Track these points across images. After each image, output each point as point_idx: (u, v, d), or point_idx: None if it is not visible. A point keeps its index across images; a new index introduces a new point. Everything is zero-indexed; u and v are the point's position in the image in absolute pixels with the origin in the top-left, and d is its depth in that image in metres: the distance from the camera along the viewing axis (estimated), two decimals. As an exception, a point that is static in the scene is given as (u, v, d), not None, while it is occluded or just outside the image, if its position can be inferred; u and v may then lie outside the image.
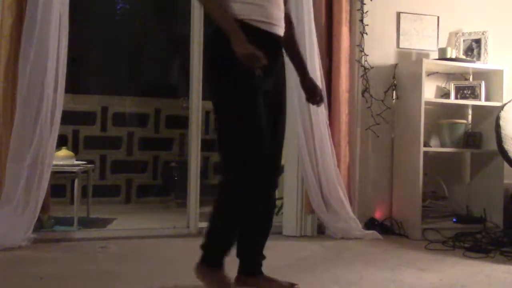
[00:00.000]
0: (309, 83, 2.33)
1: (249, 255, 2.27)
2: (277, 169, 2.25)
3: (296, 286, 2.22)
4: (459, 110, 4.03)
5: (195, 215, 3.55)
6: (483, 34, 3.96)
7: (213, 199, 2.14)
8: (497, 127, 3.51)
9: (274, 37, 2.13)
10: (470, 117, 4.08)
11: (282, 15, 2.18)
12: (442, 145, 3.87)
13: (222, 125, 2.10)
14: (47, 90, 3.08)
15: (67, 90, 3.25)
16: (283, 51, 2.26)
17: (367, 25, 3.79)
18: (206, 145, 4.57)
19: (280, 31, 2.16)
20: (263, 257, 2.29)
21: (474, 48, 3.98)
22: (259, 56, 1.92)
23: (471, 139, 3.89)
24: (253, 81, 2.02)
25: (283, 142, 2.26)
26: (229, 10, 2.04)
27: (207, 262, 2.13)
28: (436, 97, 4.00)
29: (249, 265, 2.27)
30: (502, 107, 3.61)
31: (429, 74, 3.94)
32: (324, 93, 3.56)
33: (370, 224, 3.76)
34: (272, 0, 2.11)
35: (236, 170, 2.05)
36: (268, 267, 2.29)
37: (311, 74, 3.42)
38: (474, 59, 3.95)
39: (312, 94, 2.32)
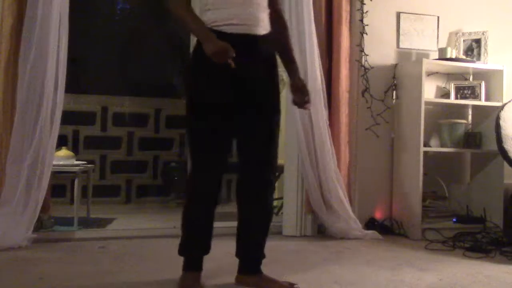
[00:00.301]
0: (297, 83, 2.28)
1: (246, 254, 2.28)
2: (262, 169, 2.22)
3: (295, 286, 2.23)
4: (459, 110, 4.03)
5: (195, 215, 3.54)
6: (483, 34, 3.96)
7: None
8: (497, 127, 3.51)
9: (248, 38, 2.13)
10: (470, 117, 4.08)
11: (262, 15, 2.18)
12: (442, 145, 3.86)
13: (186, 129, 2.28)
14: (47, 90, 3.08)
15: (67, 90, 3.25)
16: (271, 51, 2.26)
17: (367, 25, 3.79)
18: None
19: (258, 31, 2.15)
20: (263, 256, 2.29)
21: (474, 48, 3.98)
22: (228, 49, 1.97)
23: (471, 139, 3.90)
24: (213, 97, 2.11)
25: (270, 141, 2.23)
26: (197, 16, 2.11)
27: (183, 265, 2.25)
28: (436, 97, 4.00)
29: (247, 264, 2.28)
30: (502, 107, 3.61)
31: (429, 74, 3.94)
32: (324, 93, 3.56)
33: (370, 224, 3.76)
34: (246, 2, 2.12)
35: (190, 172, 2.21)
36: (268, 267, 2.29)
37: (311, 74, 3.48)
38: (474, 59, 3.95)
39: (299, 94, 2.26)
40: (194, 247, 2.25)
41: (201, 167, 2.16)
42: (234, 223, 2.32)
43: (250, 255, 2.28)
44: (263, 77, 2.21)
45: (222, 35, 2.06)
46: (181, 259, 2.29)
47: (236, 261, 2.29)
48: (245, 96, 2.16)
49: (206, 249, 2.26)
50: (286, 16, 3.51)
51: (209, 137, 2.13)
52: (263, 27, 2.18)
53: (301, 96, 2.26)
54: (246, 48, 2.10)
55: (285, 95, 3.88)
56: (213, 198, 2.20)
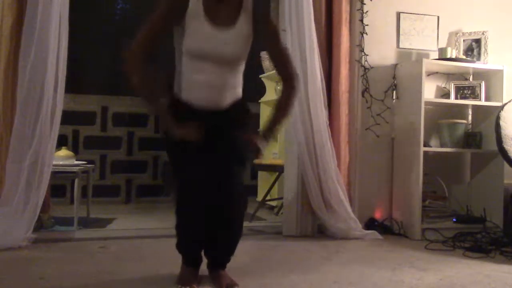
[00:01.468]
0: (264, 134, 2.24)
1: (209, 251, 2.34)
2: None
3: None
4: (459, 110, 4.04)
5: (195, 215, 3.54)
6: (483, 34, 3.96)
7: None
8: (497, 127, 3.51)
9: (214, 111, 2.20)
10: (470, 117, 4.08)
11: (231, 92, 2.23)
12: (442, 145, 3.87)
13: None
14: (47, 90, 3.08)
15: (67, 90, 3.25)
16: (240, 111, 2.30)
17: (367, 25, 3.79)
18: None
19: (224, 105, 2.22)
20: (227, 258, 2.34)
21: (474, 48, 3.98)
22: (194, 132, 2.03)
23: (471, 139, 3.90)
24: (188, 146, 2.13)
25: (235, 170, 2.24)
26: (156, 90, 2.15)
27: (182, 259, 2.33)
28: (436, 97, 4.01)
29: (211, 260, 2.36)
30: (502, 107, 3.61)
31: (429, 74, 3.94)
32: (324, 93, 3.56)
33: (370, 224, 3.76)
34: (213, 89, 2.19)
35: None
36: (268, 267, 2.29)
37: (311, 74, 3.48)
38: (474, 59, 3.95)
39: (255, 143, 2.21)
40: (190, 245, 2.31)
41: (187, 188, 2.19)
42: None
43: (210, 251, 2.36)
44: (230, 134, 2.24)
45: (188, 106, 2.19)
46: (180, 257, 2.32)
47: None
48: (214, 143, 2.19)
49: (202, 246, 2.29)
50: (286, 16, 3.55)
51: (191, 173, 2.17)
52: (231, 99, 2.25)
53: (255, 146, 2.20)
54: (212, 116, 2.19)
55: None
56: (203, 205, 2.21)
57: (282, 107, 2.30)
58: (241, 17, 2.16)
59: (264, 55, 4.64)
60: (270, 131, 2.26)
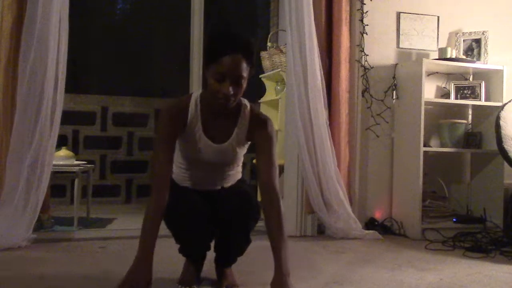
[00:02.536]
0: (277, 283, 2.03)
1: (217, 247, 2.30)
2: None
3: None
4: (459, 110, 4.04)
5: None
6: (483, 34, 3.96)
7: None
8: (497, 127, 3.51)
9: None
10: (470, 117, 4.08)
11: (226, 179, 2.27)
12: (442, 145, 3.87)
13: None
14: (47, 90, 3.08)
15: (67, 90, 3.25)
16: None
17: (367, 25, 3.79)
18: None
19: (219, 187, 2.26)
20: (233, 258, 2.32)
21: (474, 48, 3.98)
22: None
23: (471, 139, 3.90)
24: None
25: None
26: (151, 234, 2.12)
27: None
28: (436, 97, 4.01)
29: (217, 256, 2.32)
30: (502, 107, 3.61)
31: (429, 74, 3.94)
32: (324, 93, 3.56)
33: (370, 224, 3.76)
34: (208, 180, 2.25)
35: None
36: (268, 267, 2.29)
37: (311, 74, 3.48)
38: (474, 59, 3.95)
39: None
40: (191, 251, 2.29)
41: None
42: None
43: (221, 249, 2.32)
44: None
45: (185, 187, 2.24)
46: (181, 259, 2.33)
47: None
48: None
49: (205, 249, 2.28)
50: (286, 16, 3.55)
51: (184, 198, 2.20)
52: (226, 183, 2.28)
53: None
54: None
55: (284, 96, 3.89)
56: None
57: (279, 235, 2.06)
58: (235, 132, 2.15)
59: (264, 55, 4.63)
60: (282, 277, 2.03)
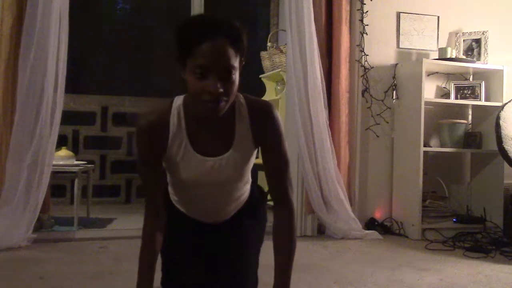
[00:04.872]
0: None
1: None
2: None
3: None
4: (459, 110, 4.04)
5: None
6: (483, 34, 3.96)
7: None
8: (497, 127, 3.51)
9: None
10: (470, 117, 4.08)
11: (229, 209, 1.88)
12: (442, 145, 3.87)
13: None
14: (47, 90, 3.08)
15: (67, 90, 3.25)
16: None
17: (367, 25, 3.79)
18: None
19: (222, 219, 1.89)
20: None
21: (474, 48, 3.98)
22: None
23: (471, 139, 3.90)
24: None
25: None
26: (147, 266, 1.80)
27: None
28: (436, 97, 4.01)
29: None
30: (502, 107, 3.61)
31: (429, 74, 3.94)
32: (324, 93, 3.56)
33: (370, 224, 3.76)
34: (209, 213, 1.85)
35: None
36: (268, 267, 2.29)
37: (311, 74, 3.48)
38: (474, 59, 3.95)
39: None
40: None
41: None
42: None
43: None
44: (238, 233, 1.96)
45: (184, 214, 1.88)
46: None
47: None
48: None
49: None
50: (286, 16, 3.55)
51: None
52: (236, 209, 1.92)
53: None
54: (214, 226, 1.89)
55: (284, 96, 3.89)
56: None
57: (286, 248, 1.81)
58: (235, 142, 1.64)
59: (264, 55, 4.63)
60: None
